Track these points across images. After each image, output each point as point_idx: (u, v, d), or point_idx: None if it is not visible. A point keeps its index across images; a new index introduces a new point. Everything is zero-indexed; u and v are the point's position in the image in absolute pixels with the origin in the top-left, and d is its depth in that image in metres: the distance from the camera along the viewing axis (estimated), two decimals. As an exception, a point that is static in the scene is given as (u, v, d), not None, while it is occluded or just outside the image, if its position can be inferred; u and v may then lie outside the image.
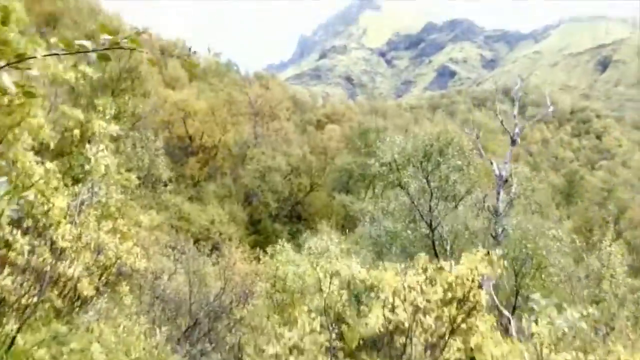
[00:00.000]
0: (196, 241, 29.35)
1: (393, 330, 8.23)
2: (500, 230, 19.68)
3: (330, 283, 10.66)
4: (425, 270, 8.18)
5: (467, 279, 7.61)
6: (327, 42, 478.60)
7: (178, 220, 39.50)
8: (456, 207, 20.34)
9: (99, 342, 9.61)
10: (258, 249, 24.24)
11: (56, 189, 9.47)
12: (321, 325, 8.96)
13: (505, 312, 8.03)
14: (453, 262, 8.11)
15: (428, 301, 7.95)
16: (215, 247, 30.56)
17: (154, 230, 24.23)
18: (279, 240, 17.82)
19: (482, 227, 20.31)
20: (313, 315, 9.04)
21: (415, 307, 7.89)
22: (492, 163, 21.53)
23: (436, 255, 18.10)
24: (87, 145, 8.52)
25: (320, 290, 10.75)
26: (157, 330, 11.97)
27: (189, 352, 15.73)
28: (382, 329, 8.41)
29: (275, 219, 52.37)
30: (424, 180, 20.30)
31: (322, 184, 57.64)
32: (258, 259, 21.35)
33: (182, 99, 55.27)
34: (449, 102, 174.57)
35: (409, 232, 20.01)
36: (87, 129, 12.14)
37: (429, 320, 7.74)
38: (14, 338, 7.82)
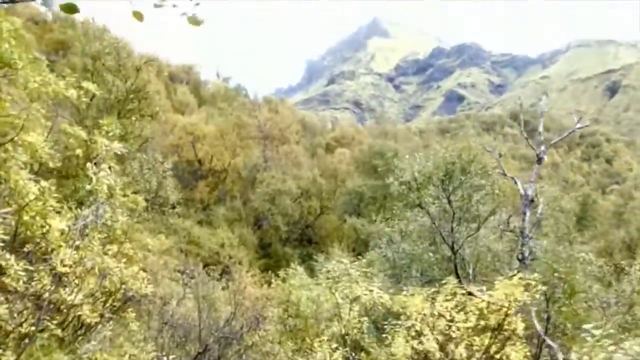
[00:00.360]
0: (206, 265, 28.82)
1: (419, 360, 7.57)
2: (527, 252, 18.71)
3: (350, 309, 9.97)
4: (454, 295, 7.53)
5: (504, 306, 6.95)
6: (335, 67, 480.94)
7: (187, 244, 39.04)
8: (479, 228, 19.47)
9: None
10: (269, 272, 23.67)
11: (59, 212, 8.95)
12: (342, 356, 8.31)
13: (553, 344, 7.31)
14: (484, 287, 7.44)
15: (458, 329, 7.27)
16: (224, 271, 30.01)
17: (162, 255, 23.71)
18: (291, 263, 17.22)
19: (507, 250, 19.45)
20: (334, 345, 8.38)
21: (446, 336, 7.22)
22: (516, 182, 20.70)
23: (459, 280, 17.31)
24: (88, 164, 7.96)
25: (339, 316, 10.04)
26: (165, 359, 11.37)
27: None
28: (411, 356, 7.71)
29: (286, 242, 51.79)
30: (446, 200, 19.44)
31: (333, 207, 57.04)
32: (269, 283, 20.77)
33: (190, 123, 55.16)
34: (458, 126, 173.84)
35: (430, 254, 19.15)
36: (91, 150, 11.66)
37: (461, 351, 7.06)
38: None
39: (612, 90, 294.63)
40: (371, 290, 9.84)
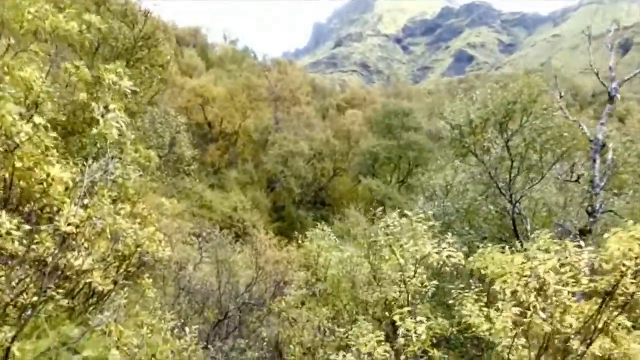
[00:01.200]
0: (219, 229, 27.86)
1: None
2: (598, 205, 16.63)
3: (415, 271, 8.63)
4: (547, 252, 6.20)
5: (624, 264, 5.63)
6: (342, 29, 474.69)
7: (199, 208, 38.01)
8: (543, 176, 17.61)
9: (118, 346, 7.87)
10: (284, 235, 22.70)
11: (61, 162, 7.66)
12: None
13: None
14: (582, 243, 6.11)
15: (572, 295, 5.96)
16: (237, 235, 29.00)
17: (176, 218, 22.57)
18: (318, 224, 15.97)
19: (569, 203, 17.76)
20: (419, 318, 7.10)
21: (558, 304, 5.90)
22: (580, 125, 18.83)
23: (516, 236, 15.83)
24: (94, 104, 6.60)
25: (403, 281, 8.69)
26: (187, 329, 10.24)
27: (220, 349, 14.10)
28: (511, 329, 6.38)
29: (299, 205, 50.76)
30: (502, 145, 17.38)
31: (346, 169, 55.92)
32: (286, 246, 19.68)
33: (199, 85, 53.77)
34: (468, 86, 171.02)
35: (491, 207, 17.53)
36: (97, 98, 10.34)
37: (571, 321, 5.78)
38: (8, 349, 6.07)
39: (625, 47, 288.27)
40: (443, 248, 8.48)
